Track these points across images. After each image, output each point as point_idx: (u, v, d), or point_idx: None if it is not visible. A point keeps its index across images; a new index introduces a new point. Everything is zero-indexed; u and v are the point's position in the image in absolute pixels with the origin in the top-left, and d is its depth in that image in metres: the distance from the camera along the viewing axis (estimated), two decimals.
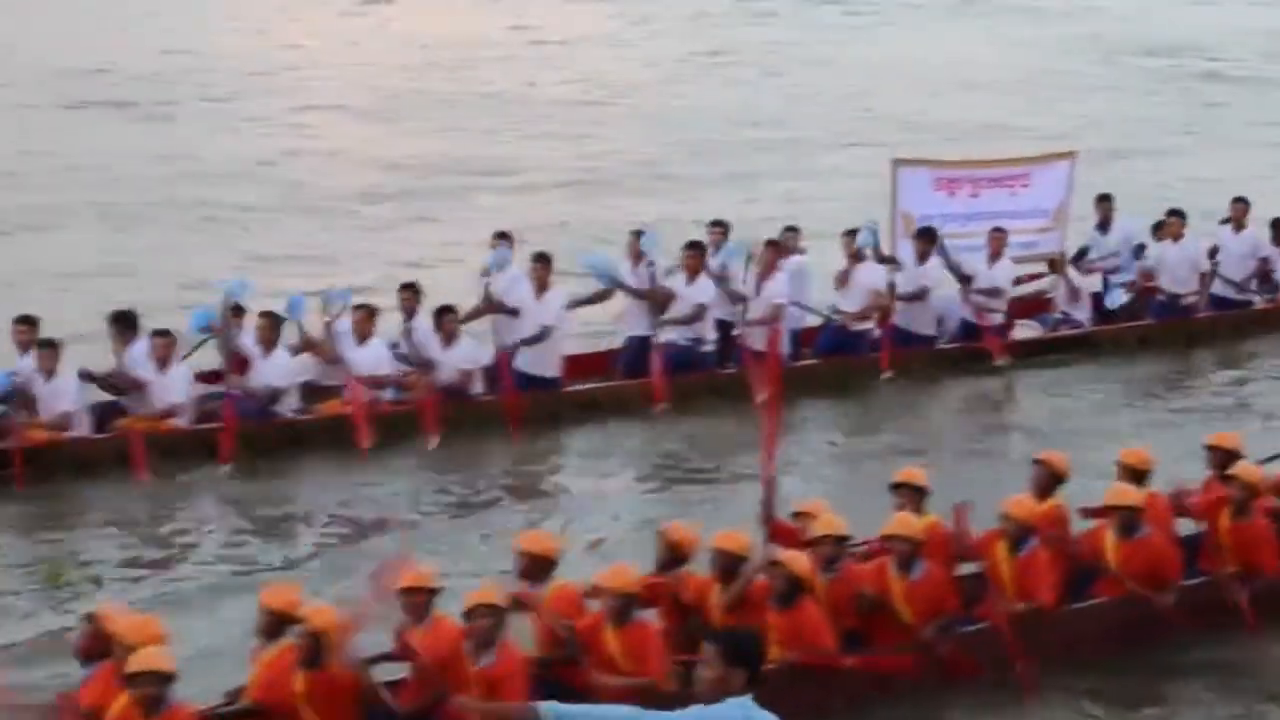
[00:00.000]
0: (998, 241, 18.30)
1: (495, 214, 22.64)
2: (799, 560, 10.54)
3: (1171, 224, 19.63)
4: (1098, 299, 19.72)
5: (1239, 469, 12.12)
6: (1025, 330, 18.98)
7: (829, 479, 15.11)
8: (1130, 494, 11.69)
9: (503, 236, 16.94)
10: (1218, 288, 19.96)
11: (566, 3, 44.52)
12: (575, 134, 30.83)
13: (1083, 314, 19.38)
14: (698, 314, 16.78)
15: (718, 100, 33.76)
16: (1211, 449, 12.70)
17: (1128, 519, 11.56)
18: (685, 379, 16.66)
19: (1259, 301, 20.12)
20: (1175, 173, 27.90)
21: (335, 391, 15.58)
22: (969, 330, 18.35)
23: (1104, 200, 20.12)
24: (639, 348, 16.92)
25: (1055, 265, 19.40)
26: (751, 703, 6.69)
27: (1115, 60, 40.14)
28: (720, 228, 17.56)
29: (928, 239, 17.91)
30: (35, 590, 12.58)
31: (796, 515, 11.49)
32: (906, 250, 18.21)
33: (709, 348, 16.97)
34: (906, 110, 32.62)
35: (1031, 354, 18.60)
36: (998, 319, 18.37)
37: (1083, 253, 19.69)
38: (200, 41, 37.60)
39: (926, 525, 11.44)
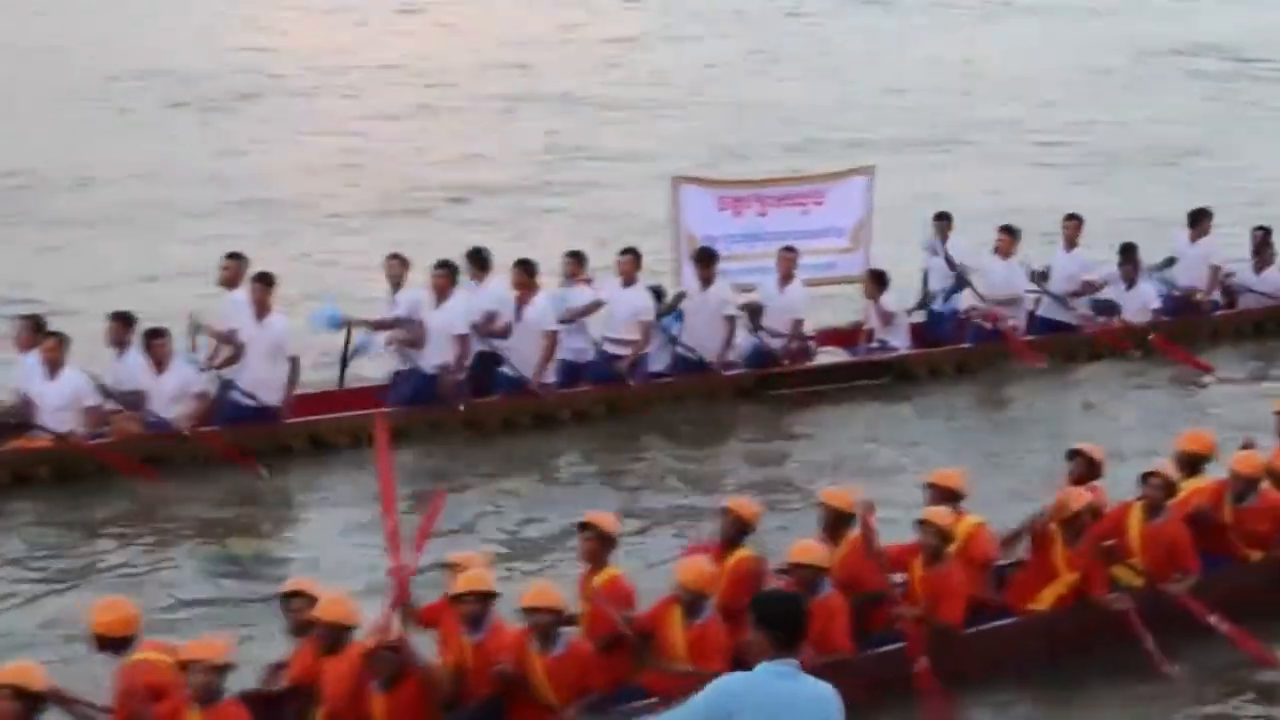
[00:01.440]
0: (787, 262, 17.22)
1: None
2: (401, 644, 9.56)
3: (1001, 240, 18.49)
4: (918, 328, 18.57)
5: (930, 513, 11.14)
6: (829, 358, 17.77)
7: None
8: (811, 550, 10.63)
9: (234, 257, 15.73)
10: (1046, 309, 18.79)
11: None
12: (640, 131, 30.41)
13: (899, 340, 18.24)
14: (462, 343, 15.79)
15: (771, 99, 33.46)
16: (930, 488, 11.66)
17: (808, 579, 10.41)
18: (428, 412, 15.48)
19: (1093, 324, 18.96)
20: (1221, 174, 27.43)
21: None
22: (761, 358, 17.16)
23: (940, 219, 19.07)
24: (403, 382, 15.88)
25: (867, 289, 18.21)
26: (785, 667, 6.81)
27: (1150, 59, 39.62)
28: (479, 259, 16.31)
29: (708, 261, 16.78)
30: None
31: (448, 567, 10.36)
32: (692, 273, 17.07)
33: (461, 376, 15.80)
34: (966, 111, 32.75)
35: (837, 382, 17.54)
36: (791, 345, 17.31)
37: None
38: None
39: (603, 581, 10.47)
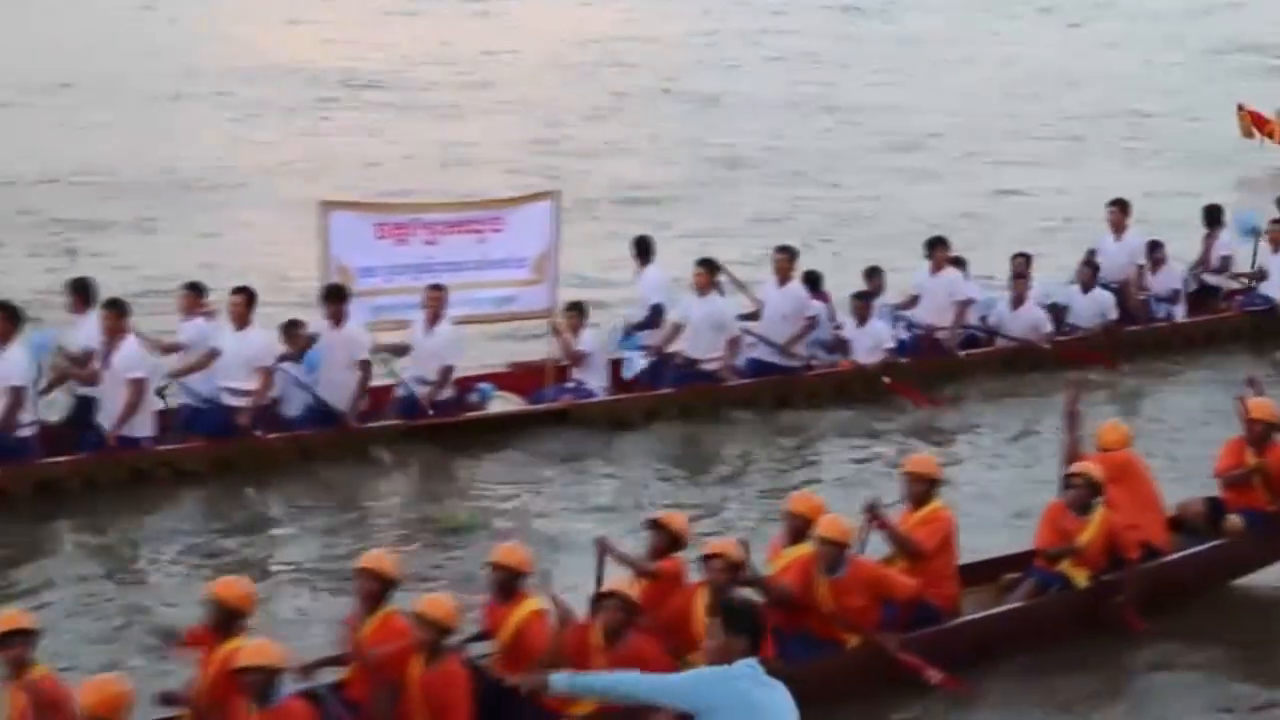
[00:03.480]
0: (435, 301, 15.90)
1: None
2: None
3: (698, 276, 17.12)
4: (618, 365, 17.24)
5: (424, 604, 9.78)
6: (503, 404, 16.40)
7: None
8: (263, 651, 9.27)
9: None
10: (760, 349, 17.42)
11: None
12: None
13: (597, 381, 16.88)
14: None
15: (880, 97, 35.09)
16: (494, 568, 10.44)
17: (257, 685, 9.11)
18: None
19: (820, 363, 17.67)
20: None
21: None
22: (412, 407, 15.79)
23: (640, 245, 17.74)
24: None
25: (555, 326, 16.86)
26: (759, 667, 7.42)
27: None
28: (80, 295, 14.91)
29: (336, 298, 15.49)
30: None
31: None
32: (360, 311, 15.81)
33: (27, 432, 14.28)
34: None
35: (500, 432, 16.10)
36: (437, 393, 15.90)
37: None
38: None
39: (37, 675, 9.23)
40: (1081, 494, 11.82)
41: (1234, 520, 12.59)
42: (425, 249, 16.33)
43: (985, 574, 12.26)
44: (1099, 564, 11.83)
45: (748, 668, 7.36)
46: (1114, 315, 18.95)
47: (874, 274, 18.37)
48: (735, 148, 30.27)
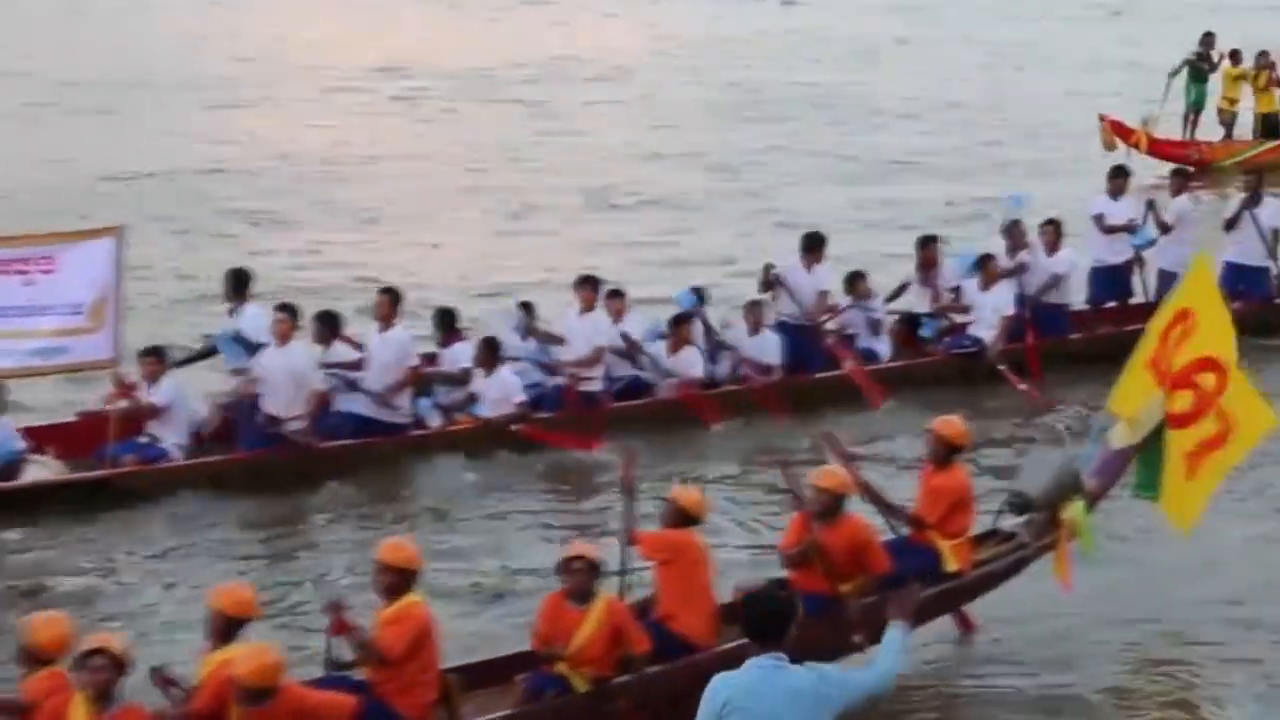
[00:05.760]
0: None
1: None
2: None
3: (279, 323, 15.69)
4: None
5: None
6: (39, 470, 14.88)
7: None
8: None
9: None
10: (362, 403, 15.93)
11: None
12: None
13: (174, 438, 15.56)
14: None
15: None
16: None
17: None
18: None
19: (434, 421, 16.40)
20: None
21: None
22: None
23: (238, 283, 16.37)
24: None
25: (118, 378, 15.44)
26: (777, 659, 7.75)
27: None
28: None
29: None
30: None
31: None
32: None
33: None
34: None
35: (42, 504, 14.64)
36: None
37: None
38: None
39: None
40: (581, 580, 10.39)
41: None
42: None
43: (498, 674, 10.84)
44: (604, 662, 10.42)
45: (756, 668, 7.67)
46: (774, 360, 17.61)
47: (525, 307, 17.11)
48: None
